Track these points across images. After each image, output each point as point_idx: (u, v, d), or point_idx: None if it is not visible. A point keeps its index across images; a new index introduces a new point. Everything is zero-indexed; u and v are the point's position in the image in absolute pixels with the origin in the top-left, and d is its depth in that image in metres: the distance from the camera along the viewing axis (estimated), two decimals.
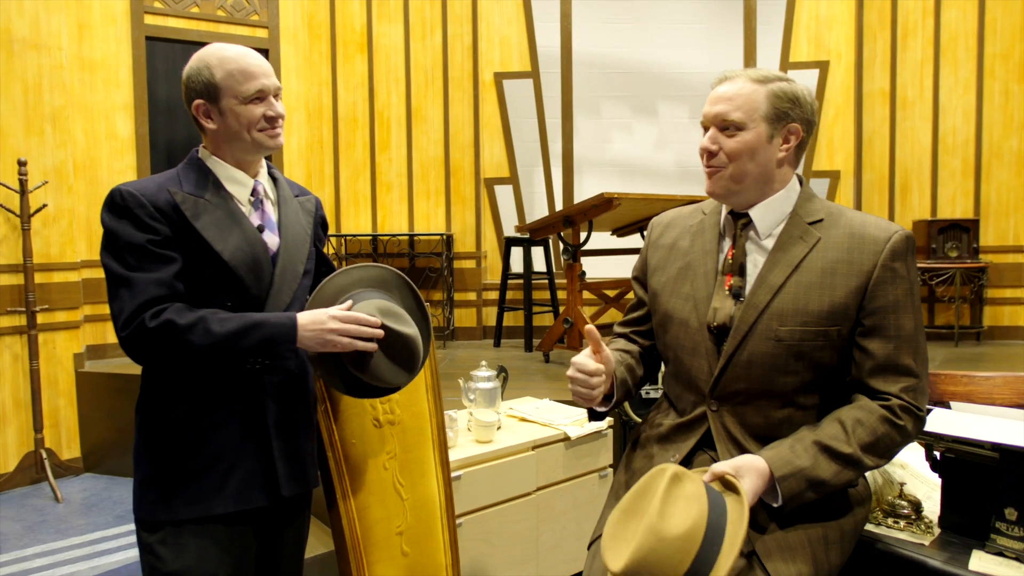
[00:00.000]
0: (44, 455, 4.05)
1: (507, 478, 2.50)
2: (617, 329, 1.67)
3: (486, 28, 5.78)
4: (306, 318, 1.34)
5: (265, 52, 5.19)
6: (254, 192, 1.46)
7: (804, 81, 5.70)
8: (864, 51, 5.63)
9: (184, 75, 1.42)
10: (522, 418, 2.85)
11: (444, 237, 5.57)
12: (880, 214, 5.63)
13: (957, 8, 5.41)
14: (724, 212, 1.45)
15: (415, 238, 5.67)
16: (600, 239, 4.74)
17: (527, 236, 4.89)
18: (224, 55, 1.40)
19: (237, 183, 1.44)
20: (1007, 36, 5.31)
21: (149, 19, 4.59)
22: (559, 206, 5.92)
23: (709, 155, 1.37)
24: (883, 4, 5.56)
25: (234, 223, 1.38)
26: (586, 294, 4.58)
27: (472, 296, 5.81)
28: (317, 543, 2.72)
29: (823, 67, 5.73)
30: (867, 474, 1.55)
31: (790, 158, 1.39)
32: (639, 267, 1.61)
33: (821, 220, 1.37)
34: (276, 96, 1.44)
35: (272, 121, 1.42)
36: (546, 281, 5.55)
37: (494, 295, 5.67)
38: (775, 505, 1.26)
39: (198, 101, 1.40)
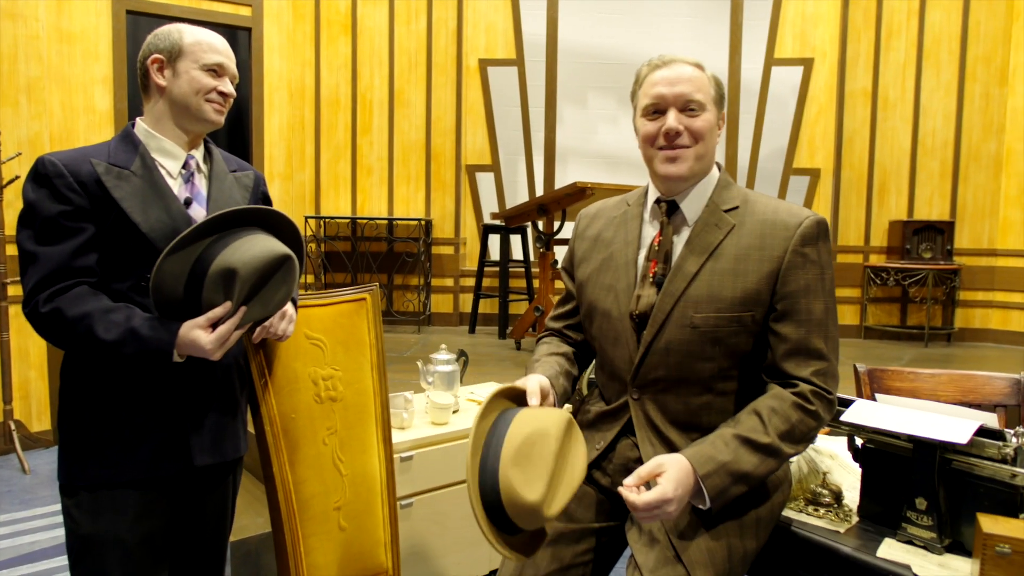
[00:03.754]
0: (13, 427, 4.04)
1: (461, 460, 2.52)
2: (549, 324, 1.67)
3: (472, 14, 5.76)
4: (185, 340, 1.30)
5: (248, 31, 5.16)
6: (185, 165, 1.45)
7: (789, 78, 5.78)
8: (848, 50, 5.64)
9: (152, 34, 1.46)
10: (481, 402, 2.87)
11: (423, 222, 5.57)
12: (857, 213, 5.67)
13: (942, 10, 5.43)
14: (650, 200, 1.46)
15: (394, 222, 5.67)
16: None
17: (504, 224, 4.90)
18: (196, 29, 1.46)
19: (168, 155, 1.44)
20: (990, 39, 5.33)
21: None
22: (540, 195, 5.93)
23: (675, 135, 1.35)
24: (868, 3, 5.58)
25: (157, 195, 1.38)
26: (558, 283, 4.60)
27: (449, 282, 5.82)
28: (257, 525, 2.73)
29: (807, 64, 5.74)
30: (792, 463, 1.58)
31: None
32: (567, 259, 1.61)
33: (736, 207, 1.38)
34: (232, 81, 1.48)
35: (223, 96, 1.45)
36: (523, 269, 5.56)
37: (471, 282, 5.68)
38: (703, 507, 1.26)
39: (157, 56, 1.42)
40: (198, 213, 1.44)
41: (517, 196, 5.96)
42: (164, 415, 1.41)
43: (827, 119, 5.72)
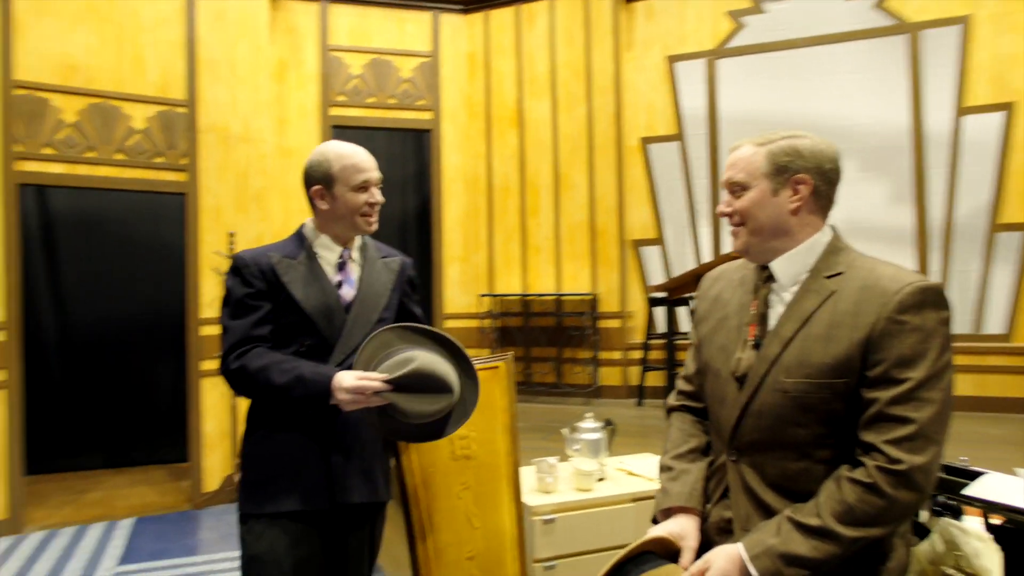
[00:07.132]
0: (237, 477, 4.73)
1: (605, 527, 2.56)
2: (679, 385, 1.67)
3: (631, 96, 6.01)
4: (335, 384, 1.58)
5: (429, 132, 5.84)
6: (341, 256, 1.80)
7: (986, 125, 5.34)
8: None
9: (307, 164, 1.78)
10: (629, 472, 2.90)
11: (590, 297, 5.75)
12: None
13: None
14: (754, 265, 1.50)
15: (562, 298, 5.91)
16: None
17: (667, 295, 4.94)
18: (341, 151, 1.75)
19: (328, 248, 1.79)
20: None
21: (334, 111, 5.39)
22: None
23: (729, 217, 1.46)
24: None
25: (315, 279, 1.72)
26: None
27: (617, 355, 5.89)
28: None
29: (1007, 109, 5.23)
30: (925, 540, 1.47)
31: (808, 207, 1.40)
32: (693, 318, 1.67)
33: (840, 273, 1.36)
34: (377, 186, 1.77)
35: (371, 207, 1.76)
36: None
37: (640, 354, 5.70)
38: None
39: (317, 187, 1.75)
40: (348, 293, 1.77)
41: (686, 268, 5.92)
42: (318, 456, 1.69)
43: None
